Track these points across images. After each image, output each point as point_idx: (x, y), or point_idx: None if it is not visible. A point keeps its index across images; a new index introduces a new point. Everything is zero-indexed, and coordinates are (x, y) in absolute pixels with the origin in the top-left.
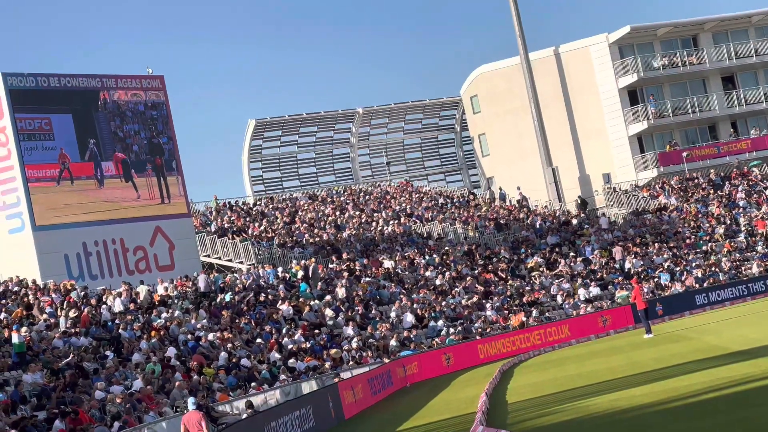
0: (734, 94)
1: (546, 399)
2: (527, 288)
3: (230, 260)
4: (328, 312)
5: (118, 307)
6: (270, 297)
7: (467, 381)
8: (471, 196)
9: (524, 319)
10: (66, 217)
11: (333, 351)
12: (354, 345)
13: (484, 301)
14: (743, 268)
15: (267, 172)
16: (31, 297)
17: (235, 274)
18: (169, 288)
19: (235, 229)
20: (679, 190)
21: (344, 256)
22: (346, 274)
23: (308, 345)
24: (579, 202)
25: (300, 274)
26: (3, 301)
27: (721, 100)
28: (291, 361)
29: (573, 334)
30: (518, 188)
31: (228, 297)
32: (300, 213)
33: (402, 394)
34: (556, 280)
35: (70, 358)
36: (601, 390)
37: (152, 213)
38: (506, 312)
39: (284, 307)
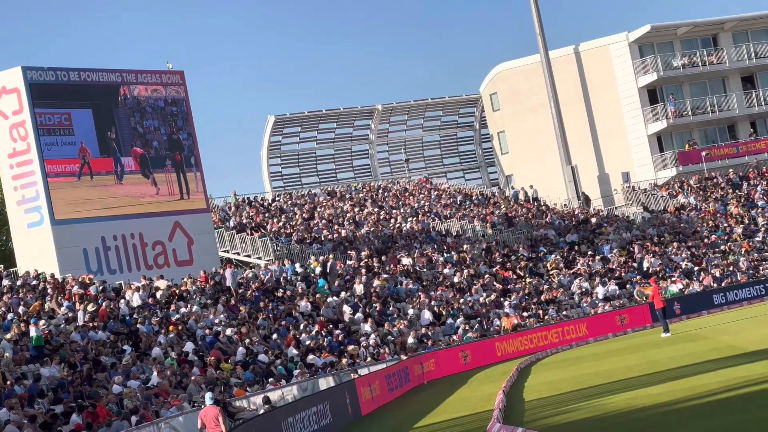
0: (754, 94)
1: (563, 397)
2: (545, 286)
3: (248, 256)
4: (346, 308)
5: (136, 301)
6: (288, 293)
7: (484, 378)
8: (491, 193)
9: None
10: (85, 211)
11: (350, 347)
12: (371, 341)
13: (502, 299)
14: (761, 268)
15: (286, 168)
16: (49, 291)
17: (253, 270)
18: (188, 282)
19: (253, 224)
20: (697, 190)
21: (363, 253)
22: (364, 270)
23: (326, 341)
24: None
25: (318, 270)
26: (21, 295)
27: (740, 99)
28: (311, 356)
29: (591, 333)
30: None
31: (246, 292)
32: (318, 209)
33: (419, 391)
34: (575, 279)
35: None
36: (618, 388)
37: (171, 208)
38: (522, 311)
39: (302, 303)
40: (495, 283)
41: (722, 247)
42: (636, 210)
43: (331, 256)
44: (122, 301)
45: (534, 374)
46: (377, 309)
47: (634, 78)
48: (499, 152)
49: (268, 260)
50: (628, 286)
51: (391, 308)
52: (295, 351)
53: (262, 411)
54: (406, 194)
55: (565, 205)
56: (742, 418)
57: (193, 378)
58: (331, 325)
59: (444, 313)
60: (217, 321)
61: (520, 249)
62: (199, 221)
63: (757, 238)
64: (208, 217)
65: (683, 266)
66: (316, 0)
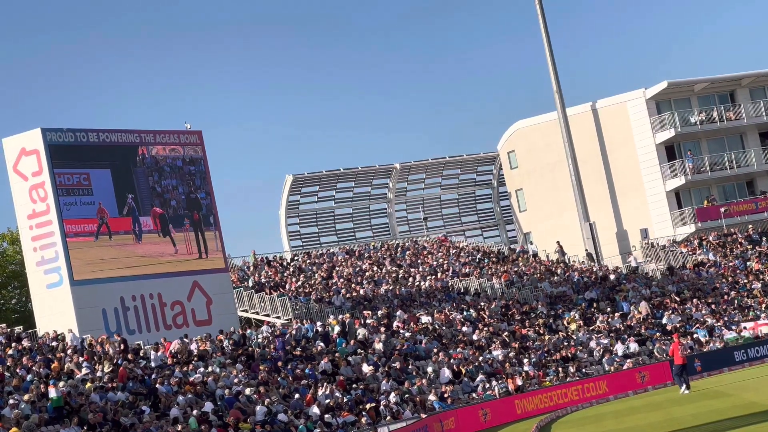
0: None
1: None
2: (564, 343)
3: (267, 315)
4: (365, 367)
5: (155, 361)
6: (307, 352)
7: None
8: (510, 251)
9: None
10: (104, 271)
11: (370, 406)
12: (391, 400)
13: (521, 356)
14: None
15: (304, 228)
16: (69, 352)
17: (272, 329)
18: (207, 343)
19: (272, 284)
20: (717, 246)
21: (382, 311)
22: (383, 329)
23: (345, 400)
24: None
25: (337, 329)
26: (40, 357)
27: (758, 155)
28: (327, 416)
29: (611, 390)
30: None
31: (265, 352)
32: (337, 268)
33: None
34: (594, 335)
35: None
36: None
37: (190, 268)
38: (543, 368)
39: (322, 362)
40: (514, 340)
41: (742, 304)
42: (655, 266)
43: (349, 314)
44: (141, 361)
45: None
46: (397, 367)
47: (652, 134)
48: (517, 210)
49: (287, 320)
50: (648, 343)
51: (410, 366)
52: (314, 410)
53: None
54: (425, 252)
55: (583, 262)
56: None
57: None
58: (351, 384)
59: (463, 370)
60: (236, 380)
61: (539, 306)
62: (217, 281)
63: None
64: (226, 277)
65: (703, 322)
66: (334, 59)
